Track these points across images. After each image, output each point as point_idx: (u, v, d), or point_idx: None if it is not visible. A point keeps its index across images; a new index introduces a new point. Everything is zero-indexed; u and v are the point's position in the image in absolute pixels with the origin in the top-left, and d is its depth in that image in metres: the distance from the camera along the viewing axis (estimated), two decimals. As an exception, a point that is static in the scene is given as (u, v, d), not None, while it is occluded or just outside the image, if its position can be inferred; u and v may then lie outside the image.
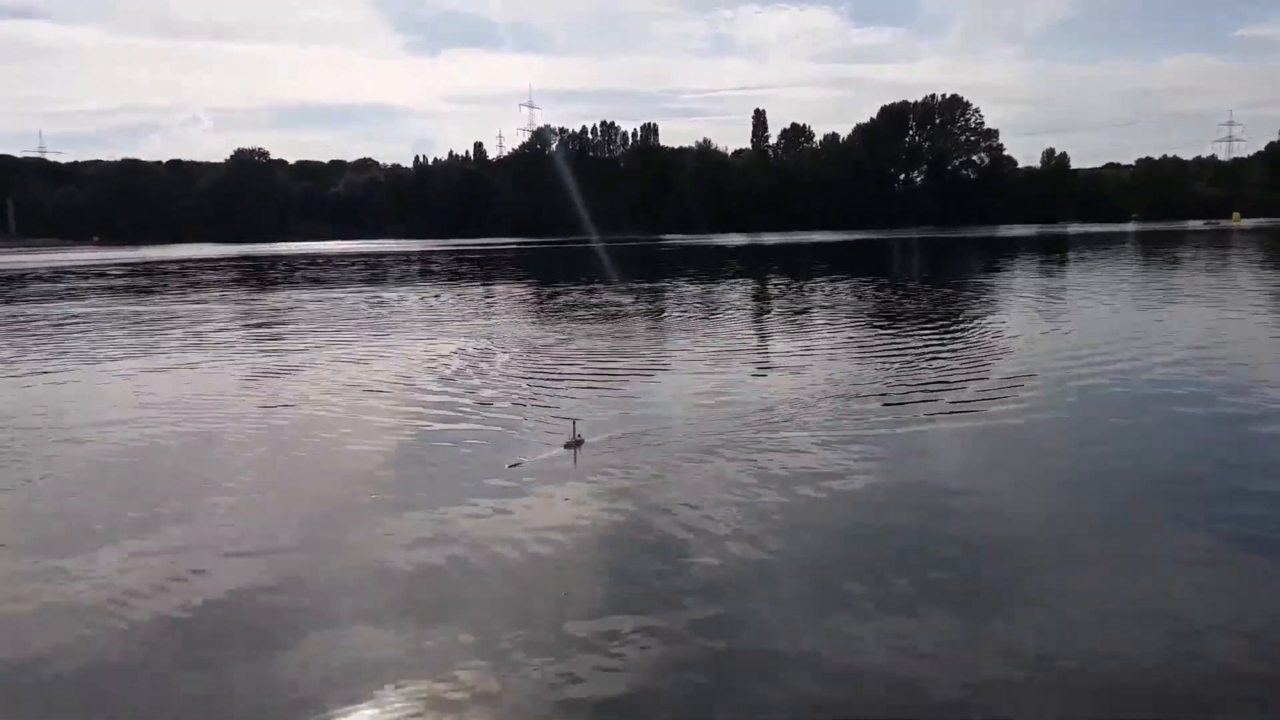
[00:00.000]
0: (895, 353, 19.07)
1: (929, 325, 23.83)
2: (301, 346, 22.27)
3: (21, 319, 30.52)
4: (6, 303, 38.35)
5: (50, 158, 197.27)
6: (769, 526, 8.65)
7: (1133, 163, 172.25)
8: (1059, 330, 22.26)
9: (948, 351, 19.14)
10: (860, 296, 32.54)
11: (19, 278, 57.69)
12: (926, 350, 19.28)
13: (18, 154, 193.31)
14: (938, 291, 34.32)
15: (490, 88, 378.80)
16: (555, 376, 17.13)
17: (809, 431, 12.17)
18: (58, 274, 61.50)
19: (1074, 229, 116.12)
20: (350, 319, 28.62)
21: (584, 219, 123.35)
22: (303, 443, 12.52)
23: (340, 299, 37.02)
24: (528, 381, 16.68)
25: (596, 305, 31.39)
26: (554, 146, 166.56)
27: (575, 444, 10.86)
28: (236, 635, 6.79)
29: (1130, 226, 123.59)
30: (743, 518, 8.84)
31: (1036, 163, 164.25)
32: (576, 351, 20.28)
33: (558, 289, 39.86)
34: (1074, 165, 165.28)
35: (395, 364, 19.08)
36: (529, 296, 37.47)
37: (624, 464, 10.73)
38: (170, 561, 8.14)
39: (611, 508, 9.29)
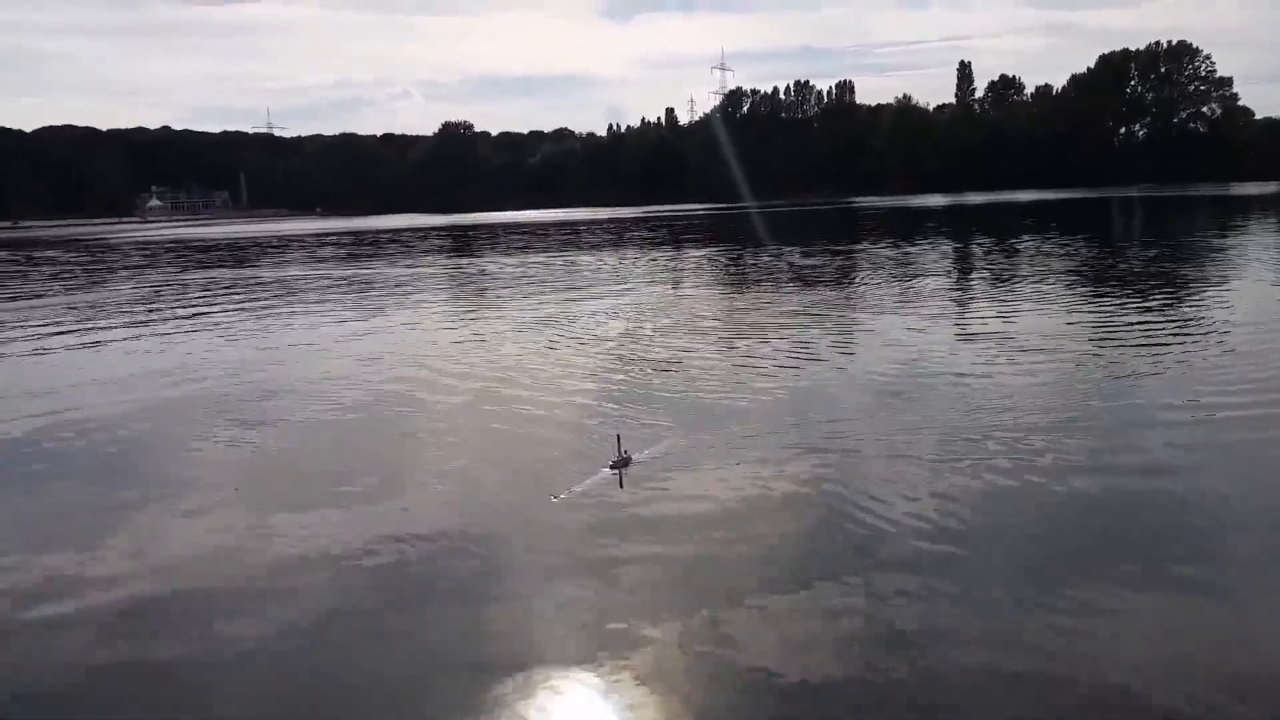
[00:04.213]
0: (1125, 331, 17.92)
1: (1165, 299, 22.18)
2: (506, 312, 23.21)
3: (257, 283, 33.19)
4: (248, 267, 41.84)
5: (277, 133, 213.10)
6: (964, 518, 8.27)
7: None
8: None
9: (1187, 328, 17.80)
10: (1081, 263, 30.60)
11: (253, 245, 62.68)
12: (1162, 328, 17.97)
13: (249, 130, 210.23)
14: (1171, 257, 31.82)
15: (682, 51, 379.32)
16: (735, 351, 17.07)
17: (1018, 419, 11.62)
18: (285, 241, 66.43)
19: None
20: (549, 282, 29.58)
21: (775, 182, 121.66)
22: (499, 401, 12.88)
23: (545, 264, 38.30)
24: (713, 352, 16.70)
25: (785, 273, 30.98)
26: (744, 109, 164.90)
27: (622, 464, 9.67)
28: (439, 589, 7.03)
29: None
30: (937, 507, 8.35)
31: (1277, 113, 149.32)
32: (762, 324, 20.17)
33: (746, 255, 39.62)
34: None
35: (583, 329, 19.50)
36: (717, 263, 37.38)
37: (807, 447, 10.48)
38: (376, 516, 8.55)
39: (793, 489, 9.06)
